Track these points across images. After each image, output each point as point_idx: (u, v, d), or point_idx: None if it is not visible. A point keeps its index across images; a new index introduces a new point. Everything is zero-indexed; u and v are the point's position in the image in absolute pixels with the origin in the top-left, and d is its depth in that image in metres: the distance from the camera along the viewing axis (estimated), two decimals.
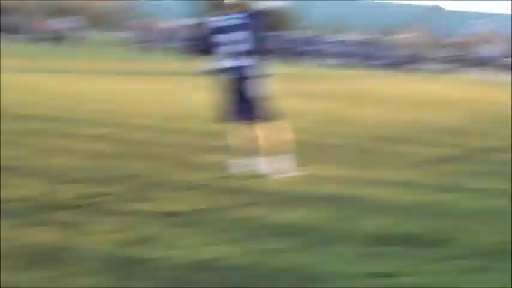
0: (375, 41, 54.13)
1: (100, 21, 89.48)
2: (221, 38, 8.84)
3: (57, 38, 60.47)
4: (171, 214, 6.78)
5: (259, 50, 8.93)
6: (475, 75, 45.32)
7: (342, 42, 53.61)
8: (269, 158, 8.86)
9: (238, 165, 8.85)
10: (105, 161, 9.25)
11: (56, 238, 5.84)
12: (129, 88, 19.93)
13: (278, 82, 9.44)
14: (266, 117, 8.93)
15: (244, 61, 8.80)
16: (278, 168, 8.79)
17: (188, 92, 19.56)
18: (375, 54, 50.94)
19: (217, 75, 9.03)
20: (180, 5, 62.42)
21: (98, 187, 7.71)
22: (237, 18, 8.91)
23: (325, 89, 25.17)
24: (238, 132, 9.02)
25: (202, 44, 9.39)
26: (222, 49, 8.82)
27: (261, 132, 8.95)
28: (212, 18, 8.98)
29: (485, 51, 50.44)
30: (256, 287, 4.93)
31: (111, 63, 34.40)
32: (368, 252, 5.78)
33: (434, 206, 7.79)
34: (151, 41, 58.57)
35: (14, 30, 62.08)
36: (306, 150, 10.90)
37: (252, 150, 8.94)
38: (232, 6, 8.99)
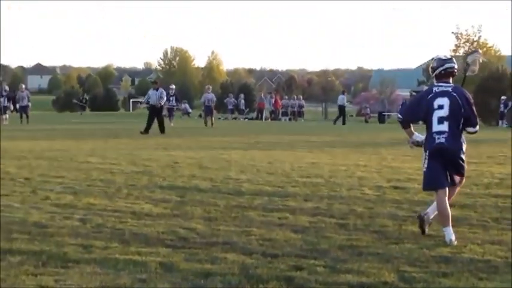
0: None
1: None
2: (429, 106, 9.17)
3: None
4: (369, 285, 7.01)
5: (465, 119, 9.14)
6: None
7: None
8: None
9: (448, 232, 9.01)
10: (311, 234, 9.54)
11: None
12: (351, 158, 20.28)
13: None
14: (460, 182, 9.44)
15: (448, 130, 9.06)
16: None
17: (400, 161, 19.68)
18: None
19: (423, 144, 9.37)
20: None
21: (305, 259, 7.99)
22: (445, 87, 9.24)
23: None
24: (445, 199, 9.21)
25: (406, 113, 9.68)
26: (430, 118, 9.15)
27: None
28: (425, 87, 9.32)
29: None
30: None
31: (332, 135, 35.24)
32: None
33: None
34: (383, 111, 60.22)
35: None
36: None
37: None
38: (442, 75, 9.32)
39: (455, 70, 9.36)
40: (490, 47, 73.89)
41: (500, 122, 51.63)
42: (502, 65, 66.85)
